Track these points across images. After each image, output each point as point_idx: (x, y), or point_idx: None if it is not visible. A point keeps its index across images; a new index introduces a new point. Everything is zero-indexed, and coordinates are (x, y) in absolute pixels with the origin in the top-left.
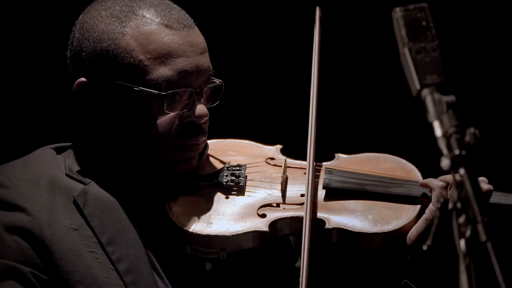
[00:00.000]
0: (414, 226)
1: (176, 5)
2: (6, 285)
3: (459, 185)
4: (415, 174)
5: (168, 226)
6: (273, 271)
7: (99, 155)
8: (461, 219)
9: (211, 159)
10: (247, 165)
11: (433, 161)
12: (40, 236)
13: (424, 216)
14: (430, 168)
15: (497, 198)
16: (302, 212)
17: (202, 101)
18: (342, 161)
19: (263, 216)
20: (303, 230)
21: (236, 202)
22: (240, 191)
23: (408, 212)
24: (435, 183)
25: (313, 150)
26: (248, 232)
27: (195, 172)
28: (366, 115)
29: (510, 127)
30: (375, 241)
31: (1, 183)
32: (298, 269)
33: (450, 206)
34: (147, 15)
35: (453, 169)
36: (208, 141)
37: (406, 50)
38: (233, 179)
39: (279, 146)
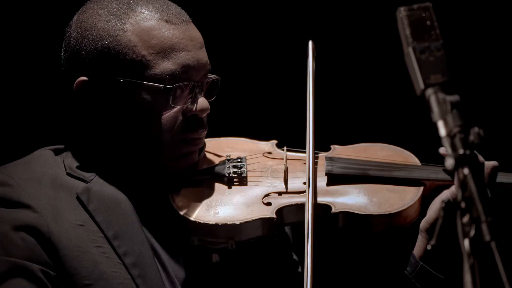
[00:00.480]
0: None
1: (171, 1)
2: (15, 282)
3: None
4: (413, 159)
5: (173, 218)
6: (279, 262)
7: (101, 154)
8: (465, 219)
9: (209, 155)
10: (247, 158)
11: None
12: (46, 232)
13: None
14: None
15: (498, 177)
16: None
17: (202, 95)
18: (339, 151)
19: (268, 204)
20: (306, 212)
21: (240, 193)
22: (243, 182)
23: (412, 193)
24: None
25: (313, 137)
26: (256, 220)
27: (194, 168)
28: (361, 109)
29: None
30: (381, 223)
31: (4, 182)
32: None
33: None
34: (146, 11)
35: (457, 169)
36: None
37: (411, 50)
38: (235, 171)
39: (274, 141)
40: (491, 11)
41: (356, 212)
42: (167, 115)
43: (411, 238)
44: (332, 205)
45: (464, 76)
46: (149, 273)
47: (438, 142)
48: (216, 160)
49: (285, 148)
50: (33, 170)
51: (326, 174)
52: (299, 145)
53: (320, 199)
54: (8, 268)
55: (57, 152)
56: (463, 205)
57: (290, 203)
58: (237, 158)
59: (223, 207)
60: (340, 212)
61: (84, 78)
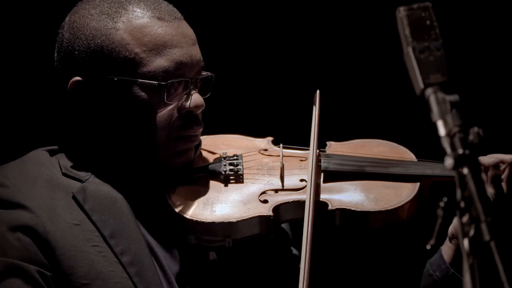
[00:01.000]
0: None
1: None
2: (11, 283)
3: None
4: (409, 155)
5: (170, 217)
6: (277, 259)
7: (96, 153)
8: (465, 219)
9: (205, 153)
10: (243, 155)
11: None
12: (43, 233)
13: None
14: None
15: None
16: (304, 196)
17: (196, 92)
18: (335, 147)
19: (265, 202)
20: (306, 207)
21: (237, 190)
22: (239, 179)
23: (409, 190)
24: (485, 160)
25: (317, 132)
26: (252, 217)
27: (190, 166)
28: (358, 105)
29: None
30: (377, 220)
31: (0, 183)
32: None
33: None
34: (138, 10)
35: (456, 168)
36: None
37: (410, 50)
38: (232, 168)
39: (270, 138)
40: (491, 10)
41: (353, 209)
42: (162, 112)
43: (408, 234)
44: (329, 202)
45: (464, 76)
46: (146, 271)
47: (435, 138)
48: (212, 157)
49: (281, 145)
50: (29, 171)
51: (323, 171)
52: (294, 141)
53: (317, 197)
54: (4, 268)
55: (52, 153)
56: (462, 204)
57: (287, 201)
58: (233, 156)
59: (220, 205)
60: (337, 209)
61: (78, 78)
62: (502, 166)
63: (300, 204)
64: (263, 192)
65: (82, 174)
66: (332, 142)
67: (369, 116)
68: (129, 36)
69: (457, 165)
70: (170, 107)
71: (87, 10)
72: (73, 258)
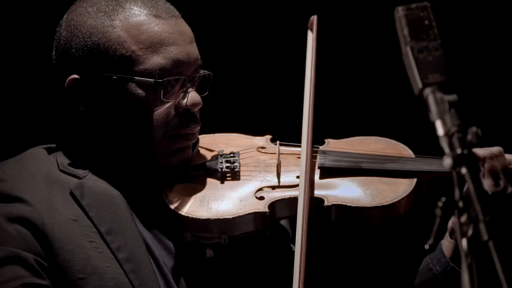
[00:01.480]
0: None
1: None
2: (10, 269)
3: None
4: (407, 151)
5: (166, 214)
6: (273, 256)
7: (93, 151)
8: (463, 218)
9: (202, 151)
10: (240, 152)
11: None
12: (41, 225)
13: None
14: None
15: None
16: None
17: (194, 90)
18: (333, 144)
19: (261, 198)
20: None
21: (233, 187)
22: (236, 176)
23: (405, 185)
24: (481, 152)
25: (311, 129)
26: (248, 214)
27: (187, 164)
28: (356, 103)
29: None
30: (374, 215)
31: None
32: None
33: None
34: (135, 7)
35: (454, 168)
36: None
37: (409, 49)
38: (228, 166)
39: (268, 136)
40: (489, 10)
41: (349, 204)
42: (159, 110)
43: (405, 230)
44: (325, 198)
45: (462, 76)
46: (142, 268)
47: (433, 135)
48: (210, 155)
49: (277, 142)
50: (27, 167)
51: (319, 167)
52: (294, 140)
53: (313, 193)
54: (4, 256)
55: (49, 151)
56: (461, 204)
57: (283, 197)
58: (230, 153)
59: (216, 202)
60: (333, 205)
61: (75, 76)
62: (495, 158)
63: (296, 200)
64: (260, 189)
65: (80, 172)
66: (330, 140)
67: (368, 114)
68: (126, 34)
69: (455, 165)
70: (167, 105)
71: (84, 8)
72: (70, 252)
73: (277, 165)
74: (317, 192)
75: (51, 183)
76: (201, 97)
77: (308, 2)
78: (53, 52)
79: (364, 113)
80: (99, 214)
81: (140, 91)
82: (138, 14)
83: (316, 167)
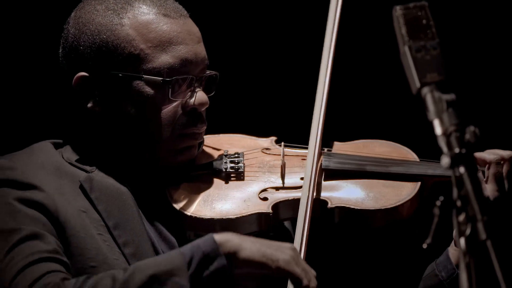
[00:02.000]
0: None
1: None
2: (29, 245)
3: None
4: (412, 155)
5: (170, 213)
6: None
7: (100, 148)
8: (461, 218)
9: (207, 151)
10: (245, 153)
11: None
12: (54, 211)
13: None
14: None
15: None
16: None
17: (201, 89)
18: (338, 147)
19: (264, 199)
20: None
21: (237, 187)
22: (240, 177)
23: (409, 189)
24: (487, 156)
25: (321, 130)
26: (251, 214)
27: (192, 163)
28: (362, 106)
29: (511, 125)
30: (377, 218)
31: (9, 166)
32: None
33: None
34: (144, 6)
35: (452, 167)
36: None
37: (407, 49)
38: (233, 166)
39: (273, 138)
40: (487, 9)
41: (352, 207)
42: (167, 109)
43: (407, 233)
44: (328, 200)
45: (460, 75)
46: None
47: (436, 139)
48: (214, 155)
49: (282, 143)
50: (36, 157)
51: (323, 169)
52: (298, 142)
53: (318, 194)
54: (25, 234)
55: (56, 146)
56: (459, 203)
57: (287, 198)
58: (235, 154)
59: (220, 202)
60: (336, 207)
61: (82, 73)
62: (502, 163)
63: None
64: (263, 190)
65: (87, 167)
66: (335, 142)
67: (373, 118)
68: (135, 32)
69: (453, 164)
70: (174, 104)
71: (93, 6)
72: (82, 240)
73: (281, 166)
74: (321, 194)
75: (60, 174)
76: (207, 96)
77: (316, 4)
78: (60, 49)
79: (369, 116)
80: (107, 208)
81: (148, 90)
82: (147, 13)
83: (321, 168)
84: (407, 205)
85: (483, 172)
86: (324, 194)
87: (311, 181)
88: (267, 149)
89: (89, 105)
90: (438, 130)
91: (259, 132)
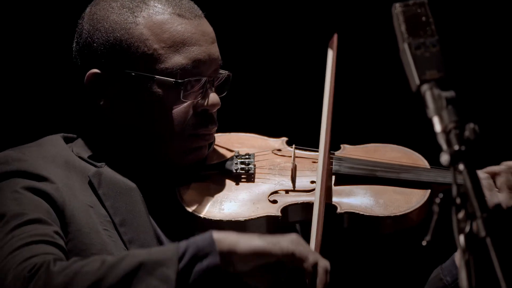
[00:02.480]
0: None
1: None
2: (29, 228)
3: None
4: (422, 161)
5: (179, 213)
6: None
7: (110, 145)
8: (461, 215)
9: (218, 150)
10: (256, 154)
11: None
12: (61, 204)
13: None
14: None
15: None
16: (313, 197)
17: (213, 90)
18: (349, 150)
19: (274, 202)
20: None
21: (247, 189)
22: (250, 178)
23: (419, 196)
24: (497, 167)
25: (329, 134)
26: (260, 217)
27: (203, 162)
28: (373, 109)
29: (510, 122)
30: (386, 225)
31: (19, 158)
32: None
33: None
34: (159, 5)
35: (452, 165)
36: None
37: (406, 46)
38: (243, 167)
39: (284, 139)
40: (487, 6)
41: (362, 213)
42: (178, 109)
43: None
44: (338, 205)
45: (460, 72)
46: None
47: None
48: (225, 155)
49: (293, 146)
50: (47, 150)
51: (334, 173)
52: (310, 143)
53: (328, 199)
54: (28, 218)
55: (66, 141)
56: (458, 201)
57: (296, 202)
58: (245, 155)
59: (229, 203)
60: (346, 212)
61: (95, 70)
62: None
63: (309, 205)
64: (273, 192)
65: (97, 164)
66: (346, 145)
67: (385, 121)
68: (149, 32)
69: (453, 161)
70: (185, 104)
71: (108, 2)
72: (88, 234)
73: (292, 169)
74: (332, 199)
75: (69, 168)
76: (219, 97)
77: (328, 5)
78: (74, 45)
79: (381, 120)
80: (115, 204)
81: (159, 90)
82: (162, 13)
83: (331, 173)
84: (416, 213)
85: (495, 183)
86: (333, 199)
87: (322, 187)
88: (278, 150)
89: (100, 102)
90: (437, 127)
91: (270, 132)
